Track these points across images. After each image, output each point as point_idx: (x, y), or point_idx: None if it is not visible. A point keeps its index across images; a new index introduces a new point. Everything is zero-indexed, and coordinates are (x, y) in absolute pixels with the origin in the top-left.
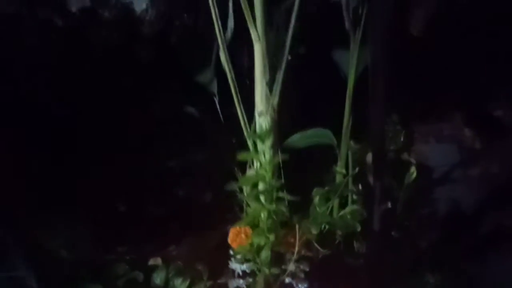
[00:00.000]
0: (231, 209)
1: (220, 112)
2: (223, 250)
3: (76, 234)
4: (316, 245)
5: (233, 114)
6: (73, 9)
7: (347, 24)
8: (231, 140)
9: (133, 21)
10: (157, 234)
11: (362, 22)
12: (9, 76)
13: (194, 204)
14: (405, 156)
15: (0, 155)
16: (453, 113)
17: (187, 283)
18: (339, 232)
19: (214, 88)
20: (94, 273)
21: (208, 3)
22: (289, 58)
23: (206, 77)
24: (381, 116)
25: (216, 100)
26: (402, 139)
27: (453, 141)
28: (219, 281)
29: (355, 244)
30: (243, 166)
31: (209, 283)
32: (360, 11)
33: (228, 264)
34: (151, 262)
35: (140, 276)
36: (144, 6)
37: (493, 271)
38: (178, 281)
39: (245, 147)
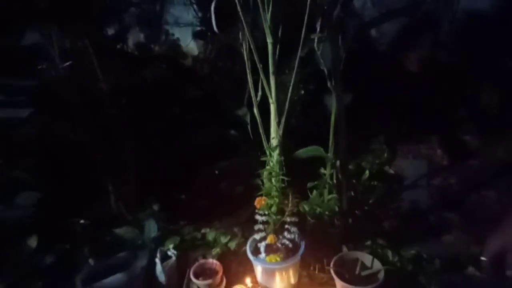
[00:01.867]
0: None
1: (250, 133)
2: (249, 222)
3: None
4: (308, 217)
5: (258, 134)
6: None
7: (329, 84)
8: (257, 149)
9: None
10: (207, 212)
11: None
12: None
13: (232, 192)
14: (386, 168)
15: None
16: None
17: (228, 238)
18: (326, 212)
19: (248, 118)
20: (172, 232)
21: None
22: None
23: (243, 111)
24: (344, 138)
25: (248, 126)
26: (385, 155)
27: (427, 158)
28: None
29: (335, 220)
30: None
31: (241, 239)
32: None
33: (250, 229)
34: (203, 231)
35: (199, 235)
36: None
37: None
38: (222, 238)
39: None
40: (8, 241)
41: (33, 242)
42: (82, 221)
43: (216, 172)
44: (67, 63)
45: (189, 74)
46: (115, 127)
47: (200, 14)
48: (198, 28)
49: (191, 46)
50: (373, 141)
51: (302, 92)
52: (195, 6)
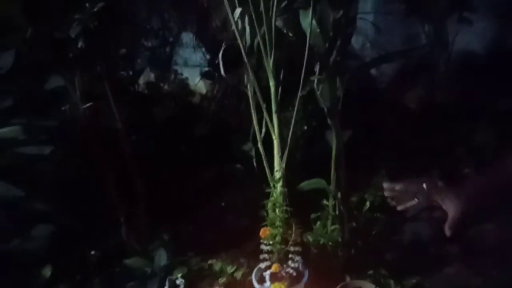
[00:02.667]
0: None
1: (255, 167)
2: (254, 252)
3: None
4: (312, 248)
5: (262, 168)
6: None
7: (329, 121)
8: (262, 183)
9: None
10: (214, 244)
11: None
12: None
13: (238, 224)
14: (388, 200)
15: None
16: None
17: (234, 268)
18: (329, 243)
19: (253, 153)
20: (180, 263)
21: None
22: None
23: (248, 147)
24: (343, 172)
25: (254, 160)
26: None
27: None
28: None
29: (338, 250)
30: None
31: (247, 270)
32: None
33: (256, 259)
34: (209, 262)
35: (205, 266)
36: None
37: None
38: (228, 268)
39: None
40: (23, 271)
41: (47, 272)
42: (93, 252)
43: (223, 204)
44: (88, 104)
45: (197, 112)
46: (128, 162)
47: (208, 56)
48: (206, 69)
49: (199, 85)
50: (375, 174)
51: (305, 128)
52: (203, 49)
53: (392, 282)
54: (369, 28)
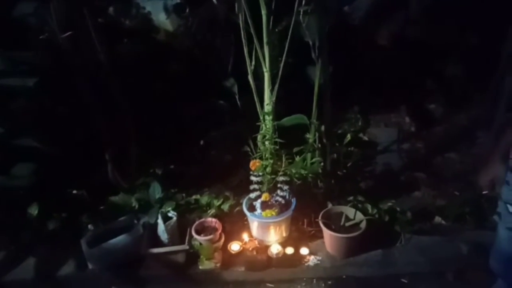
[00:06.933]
0: (245, 162)
1: (238, 103)
2: (239, 186)
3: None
4: (294, 179)
5: (245, 104)
6: None
7: (313, 55)
8: (245, 118)
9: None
10: (198, 180)
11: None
12: None
13: (224, 158)
14: (361, 135)
15: None
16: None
17: (221, 201)
18: (310, 174)
19: (235, 89)
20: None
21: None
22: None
23: (230, 82)
24: (328, 106)
25: (236, 96)
26: (360, 123)
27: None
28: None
29: (318, 181)
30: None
31: (233, 202)
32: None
33: (240, 192)
34: (194, 197)
35: (192, 200)
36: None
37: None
38: (215, 201)
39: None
40: (11, 209)
41: (34, 210)
42: (74, 191)
43: (201, 142)
44: (67, 34)
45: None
46: (112, 99)
47: None
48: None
49: (169, 20)
50: (348, 111)
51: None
52: None
53: (369, 206)
54: None
